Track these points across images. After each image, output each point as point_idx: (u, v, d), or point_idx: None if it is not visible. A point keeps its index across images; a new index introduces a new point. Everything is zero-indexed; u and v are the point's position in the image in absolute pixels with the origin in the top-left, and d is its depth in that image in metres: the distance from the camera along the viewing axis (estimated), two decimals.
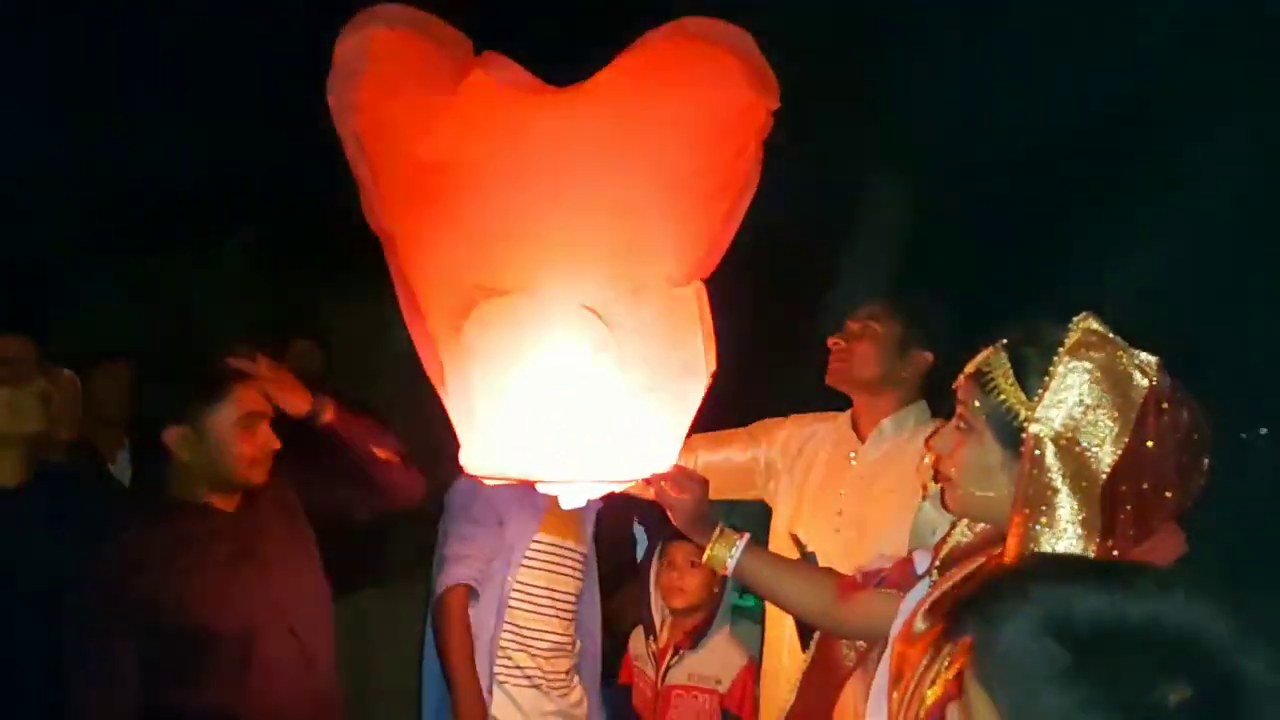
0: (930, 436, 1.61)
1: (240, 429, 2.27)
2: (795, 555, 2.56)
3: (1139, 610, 0.84)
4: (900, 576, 1.75)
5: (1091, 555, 1.33)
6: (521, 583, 2.92)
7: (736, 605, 3.19)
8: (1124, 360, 1.37)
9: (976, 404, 1.47)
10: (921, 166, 4.59)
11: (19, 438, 2.29)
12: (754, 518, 2.72)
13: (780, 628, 2.62)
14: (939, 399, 2.60)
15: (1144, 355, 1.39)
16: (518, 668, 2.92)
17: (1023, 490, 1.36)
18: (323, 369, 3.87)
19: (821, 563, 2.51)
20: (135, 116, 4.23)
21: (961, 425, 1.50)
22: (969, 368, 1.52)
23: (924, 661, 1.36)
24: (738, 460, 2.72)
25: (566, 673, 3.02)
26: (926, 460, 1.63)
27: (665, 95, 1.79)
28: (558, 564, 2.99)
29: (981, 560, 1.50)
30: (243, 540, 2.29)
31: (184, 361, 2.56)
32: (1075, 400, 1.35)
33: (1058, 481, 1.34)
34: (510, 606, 2.91)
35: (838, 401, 2.72)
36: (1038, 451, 1.35)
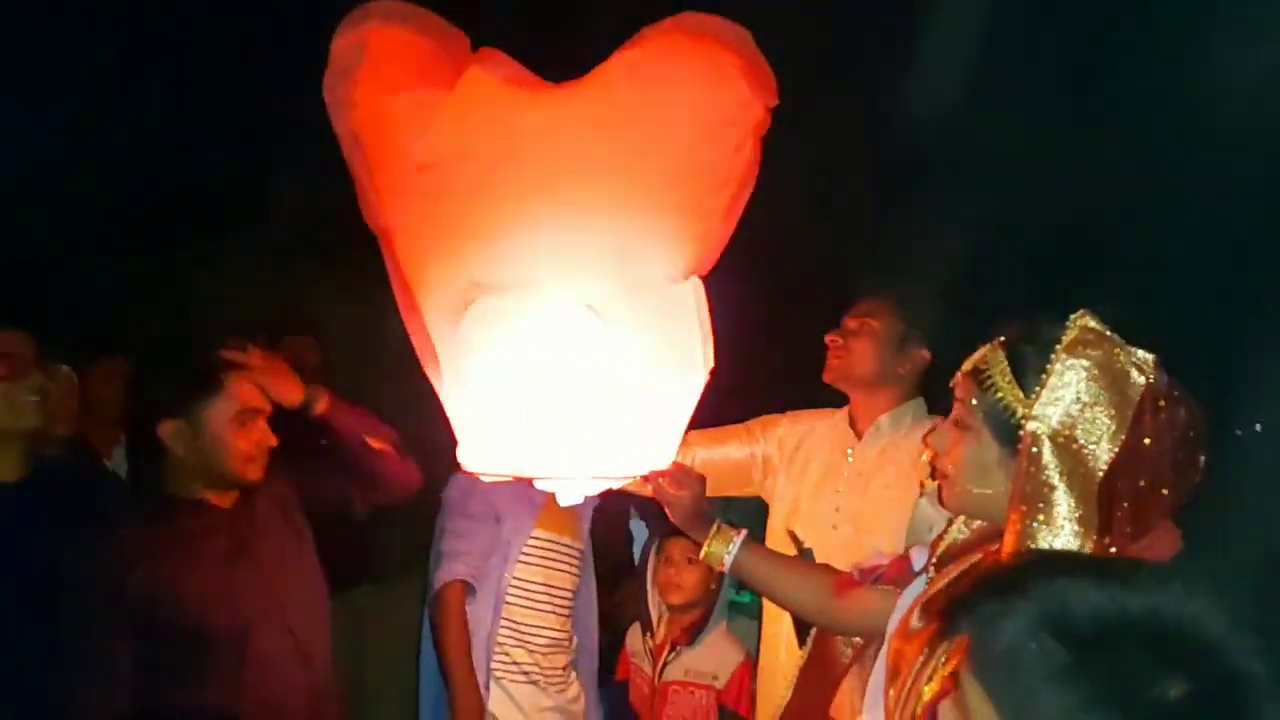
0: (928, 434, 1.61)
1: (235, 424, 2.27)
2: (792, 552, 2.56)
3: (1138, 605, 0.84)
4: (897, 573, 1.75)
5: (1088, 552, 1.33)
6: (518, 579, 2.92)
7: (733, 601, 3.20)
8: (1121, 358, 1.37)
9: (974, 401, 1.47)
10: (920, 163, 4.59)
11: (16, 434, 2.29)
12: (751, 514, 2.72)
13: (777, 624, 2.62)
14: (936, 396, 2.60)
15: (1141, 353, 1.39)
16: (515, 664, 2.92)
17: (1020, 487, 1.36)
18: (319, 365, 3.87)
19: (819, 559, 2.51)
20: (132, 113, 4.22)
21: (959, 423, 1.50)
22: (966, 365, 1.52)
23: (921, 658, 1.36)
24: (735, 457, 2.72)
25: (564, 668, 3.02)
26: (924, 458, 1.63)
27: (663, 91, 1.79)
28: (554, 560, 2.99)
29: (978, 557, 1.50)
30: (239, 537, 2.29)
31: (179, 356, 2.54)
32: (1072, 398, 1.36)
33: (1055, 479, 1.34)
34: (507, 602, 2.91)
35: (835, 398, 2.72)
36: (1035, 449, 1.36)
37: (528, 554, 2.93)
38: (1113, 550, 1.35)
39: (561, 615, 3.01)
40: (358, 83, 1.67)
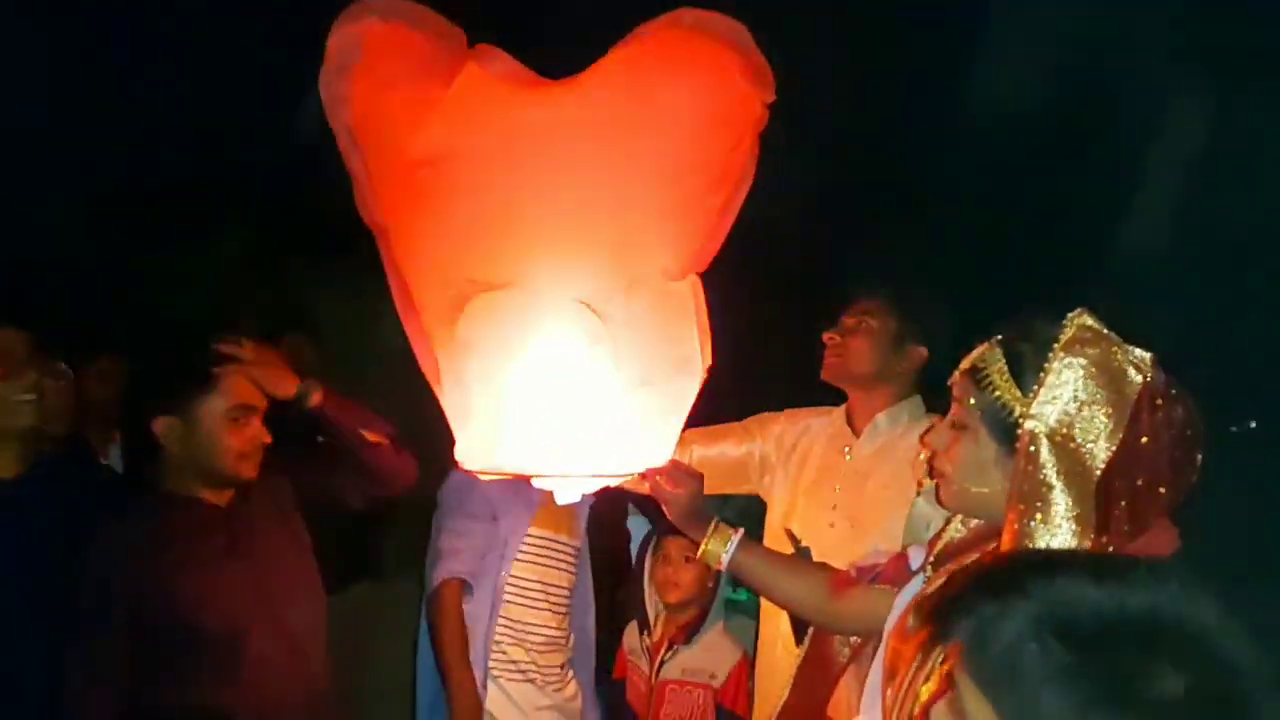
0: (925, 433, 1.61)
1: (229, 420, 2.25)
2: (790, 550, 2.56)
3: (1137, 603, 0.83)
4: (895, 572, 1.74)
5: (1089, 551, 1.32)
6: (515, 577, 2.92)
7: (730, 600, 3.20)
8: (1118, 356, 1.37)
9: (971, 400, 1.47)
10: (918, 161, 4.59)
11: (11, 433, 2.28)
12: (748, 513, 2.72)
13: (774, 623, 2.62)
14: (933, 394, 2.60)
15: (1138, 351, 1.38)
16: (512, 662, 2.91)
17: (1017, 486, 1.36)
18: (315, 362, 3.86)
19: (816, 558, 2.51)
20: (129, 110, 4.21)
21: (956, 422, 1.50)
22: (964, 364, 1.52)
23: (918, 658, 1.36)
24: (732, 455, 2.72)
25: (561, 667, 3.02)
26: (921, 456, 1.63)
27: (660, 88, 1.78)
28: (551, 558, 2.98)
29: (975, 556, 1.50)
30: (234, 535, 2.28)
31: (174, 352, 2.53)
32: (1070, 396, 1.35)
33: (1052, 478, 1.34)
34: (504, 601, 2.90)
35: (833, 396, 2.72)
36: (1033, 448, 1.35)
37: (524, 552, 2.93)
38: (1110, 549, 1.34)
39: (558, 614, 3.00)
40: (354, 79, 1.66)
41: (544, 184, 1.76)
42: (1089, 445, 1.34)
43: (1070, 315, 1.41)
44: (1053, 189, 4.69)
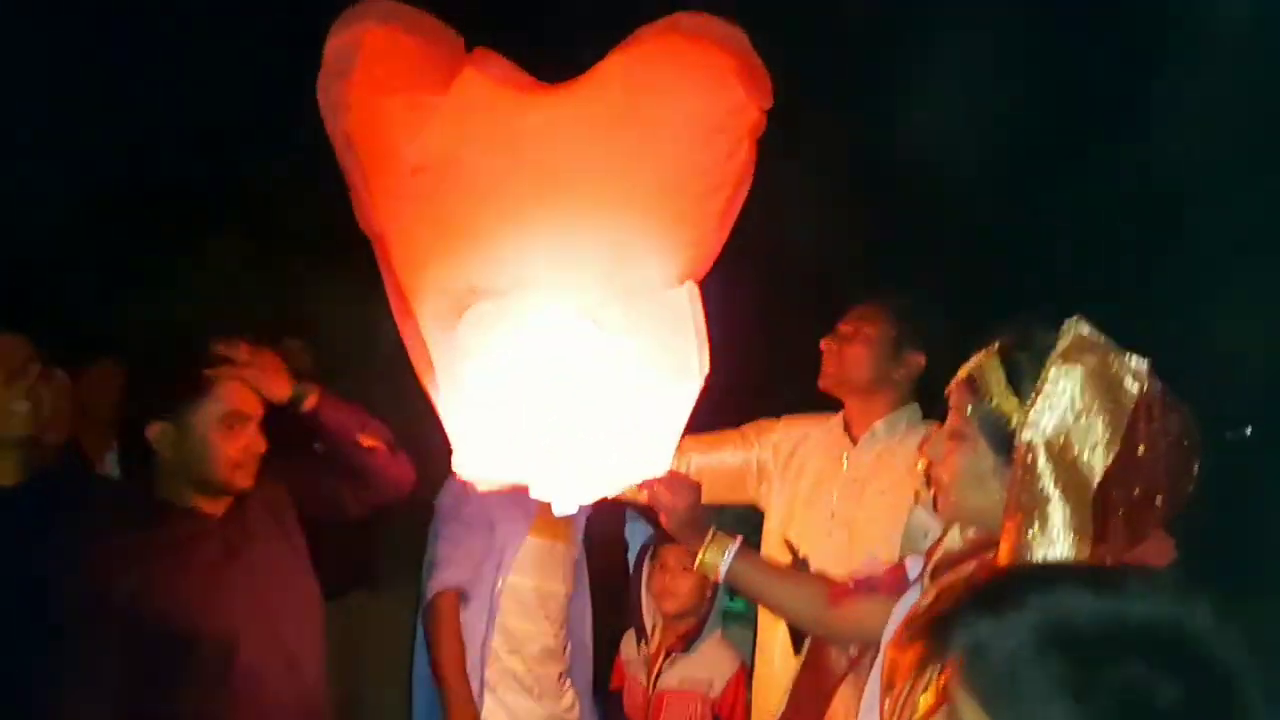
0: (923, 442, 1.60)
1: (222, 427, 2.23)
2: (788, 559, 2.55)
3: (1135, 612, 0.83)
4: (892, 582, 1.74)
5: (1083, 561, 1.32)
6: (512, 586, 2.90)
7: (728, 609, 3.18)
8: (1115, 365, 1.36)
9: (969, 410, 1.46)
10: (917, 167, 4.59)
11: (8, 441, 2.26)
12: (745, 520, 2.71)
13: (772, 632, 2.61)
14: (931, 400, 2.60)
15: (1135, 359, 1.38)
16: (509, 672, 2.90)
17: (1015, 496, 1.35)
18: (313, 368, 3.85)
19: (814, 566, 2.50)
20: (126, 115, 4.21)
21: (954, 431, 1.49)
22: (961, 373, 1.51)
23: (916, 669, 1.35)
24: (730, 463, 2.71)
25: (558, 677, 3.00)
26: (919, 466, 1.62)
27: (658, 93, 1.78)
28: (548, 566, 2.97)
29: (972, 566, 1.49)
30: (229, 545, 2.26)
31: (169, 357, 2.52)
32: (1067, 405, 1.34)
33: (1050, 488, 1.33)
34: (501, 610, 2.89)
35: (830, 403, 2.71)
36: (1030, 457, 1.34)
37: (521, 561, 2.91)
38: (1108, 559, 1.33)
39: (555, 623, 2.99)
40: (352, 84, 1.65)
41: (541, 189, 1.76)
42: (1086, 455, 1.33)
43: (1067, 323, 1.40)
44: (1051, 195, 4.69)
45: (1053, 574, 1.00)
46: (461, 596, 2.86)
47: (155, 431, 2.24)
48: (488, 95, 1.72)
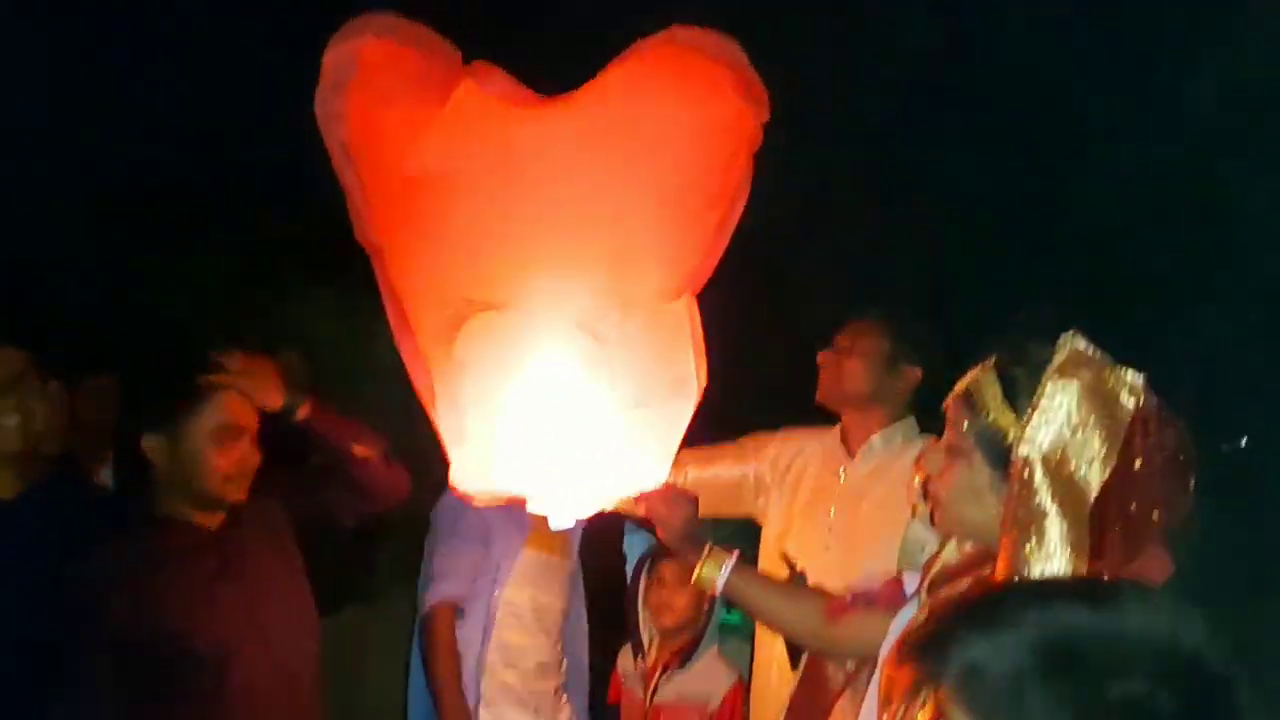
0: (920, 457, 1.60)
1: (215, 440, 2.22)
2: (785, 572, 2.54)
3: (1132, 627, 0.83)
4: (889, 597, 1.73)
5: (1084, 577, 1.31)
6: (509, 600, 2.89)
7: (724, 622, 3.17)
8: (1111, 379, 1.36)
9: (966, 425, 1.46)
10: (915, 179, 4.60)
11: (1, 456, 2.26)
12: (743, 534, 2.70)
13: (770, 647, 2.60)
14: (927, 414, 2.60)
15: (1130, 374, 1.38)
16: (505, 687, 2.88)
17: (1012, 511, 1.35)
18: (310, 380, 3.84)
19: (811, 580, 2.50)
20: (123, 126, 4.21)
21: (951, 446, 1.49)
22: (958, 388, 1.51)
23: (912, 686, 1.34)
24: (727, 477, 2.71)
25: (555, 691, 2.99)
26: (916, 481, 1.62)
27: (655, 106, 1.79)
28: (544, 580, 2.96)
29: (969, 581, 1.48)
30: (223, 559, 2.25)
31: (163, 369, 2.51)
32: (1063, 420, 1.34)
33: (1047, 503, 1.33)
34: (497, 624, 2.88)
35: (827, 416, 2.71)
36: (1027, 472, 1.34)
37: (517, 574, 2.90)
38: (1105, 575, 1.33)
39: (551, 637, 2.98)
40: (350, 97, 1.66)
41: (539, 202, 1.76)
42: (1083, 470, 1.33)
43: (1063, 337, 1.40)
44: (1049, 208, 4.70)
45: (1048, 590, 1.00)
46: (457, 610, 2.85)
47: (150, 444, 2.23)
48: (485, 108, 1.72)
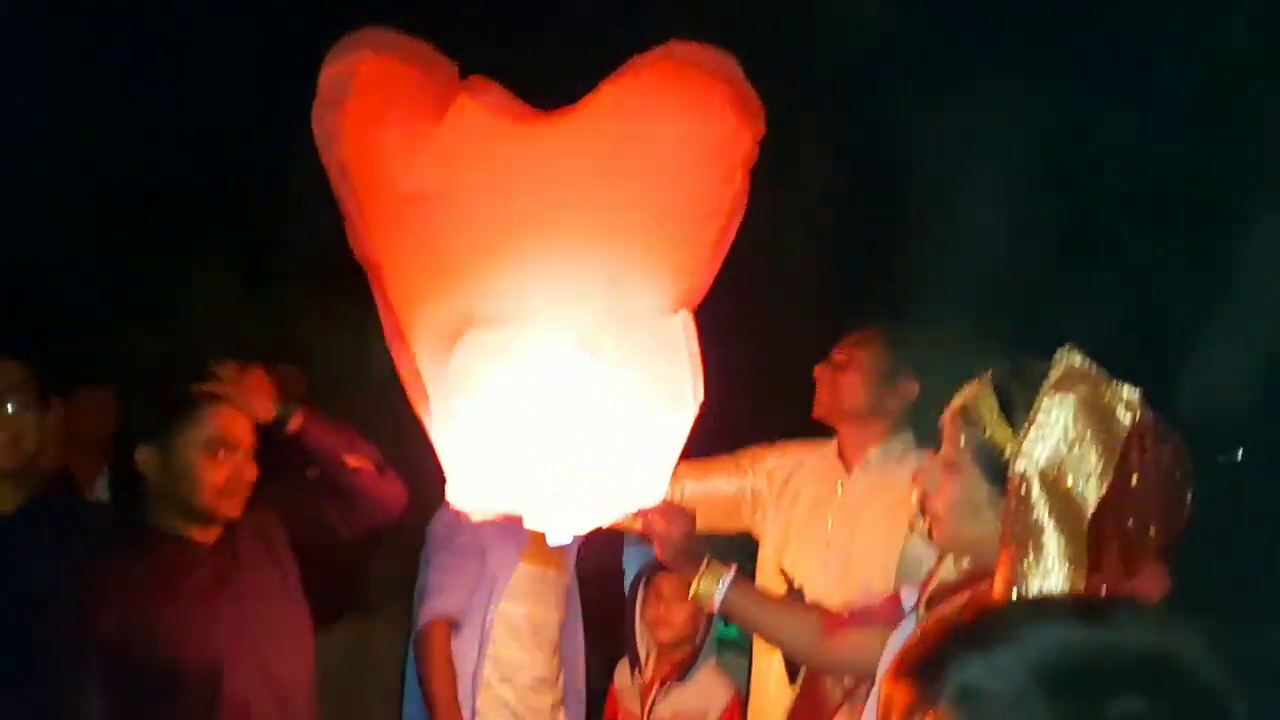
0: (917, 472, 1.59)
1: (207, 453, 2.21)
2: (783, 587, 2.54)
3: (1132, 645, 0.82)
4: (888, 613, 1.73)
5: (1079, 592, 1.31)
6: (504, 614, 2.88)
7: (722, 637, 3.16)
8: (1107, 395, 1.36)
9: (963, 440, 1.46)
10: (912, 193, 4.61)
11: None
12: (740, 549, 2.70)
13: (767, 661, 2.59)
14: (922, 427, 2.60)
15: (1126, 389, 1.38)
16: (501, 702, 2.87)
17: (1009, 527, 1.35)
18: (305, 395, 3.84)
19: (809, 594, 2.49)
20: (123, 126, 4.20)
21: (948, 462, 1.49)
22: (954, 403, 1.51)
23: (906, 713, 1.34)
24: (725, 491, 2.70)
25: (550, 707, 2.97)
26: (914, 497, 1.62)
27: (652, 121, 1.79)
28: (540, 594, 2.95)
29: (966, 598, 1.48)
30: (219, 573, 2.24)
31: (157, 382, 2.50)
32: (1060, 436, 1.34)
33: (1044, 518, 1.33)
34: (493, 638, 2.87)
35: (824, 430, 2.70)
36: (1024, 488, 1.34)
37: (513, 588, 2.90)
38: (1104, 590, 1.33)
39: (547, 651, 2.97)
40: (347, 113, 1.66)
41: (536, 218, 1.76)
42: (1080, 485, 1.33)
43: (1059, 352, 1.40)
44: (1046, 223, 4.71)
45: (1044, 609, 0.99)
46: (453, 625, 2.84)
47: (142, 456, 2.23)
48: (483, 123, 1.73)
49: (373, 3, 1.85)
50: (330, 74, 1.66)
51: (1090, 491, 1.33)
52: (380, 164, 1.70)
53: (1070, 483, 1.33)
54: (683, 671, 3.05)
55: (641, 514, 1.88)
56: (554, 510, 1.80)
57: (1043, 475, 1.33)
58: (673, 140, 1.81)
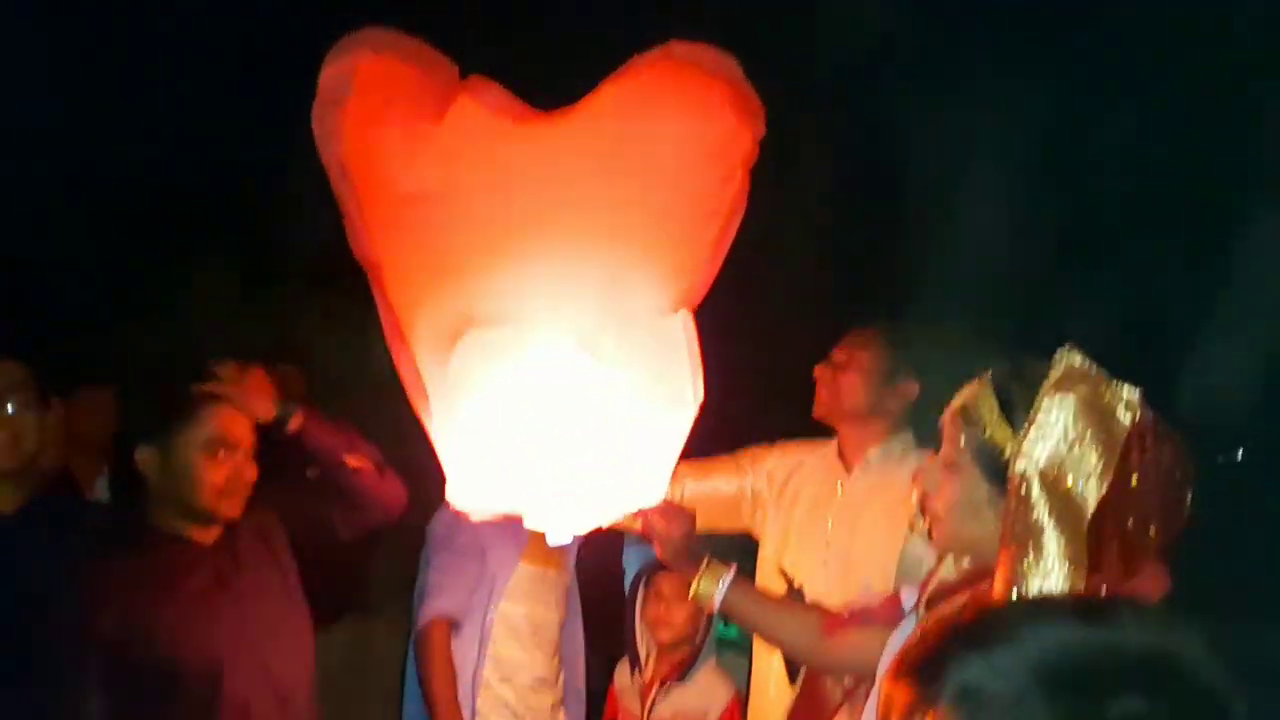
0: (917, 473, 1.59)
1: (207, 453, 2.21)
2: (783, 587, 2.54)
3: (1132, 645, 0.82)
4: (888, 613, 1.73)
5: (1079, 592, 1.31)
6: (504, 614, 2.88)
7: (722, 636, 3.16)
8: (1107, 395, 1.36)
9: (963, 440, 1.46)
10: (912, 192, 4.61)
11: None
12: (740, 549, 2.69)
13: (767, 661, 2.59)
14: (921, 427, 2.60)
15: (1126, 389, 1.38)
16: (501, 702, 2.87)
17: (1009, 527, 1.35)
18: (306, 395, 3.84)
19: (809, 594, 2.49)
20: (123, 126, 4.20)
21: (948, 462, 1.49)
22: (955, 403, 1.51)
23: (906, 714, 1.34)
24: (725, 491, 2.70)
25: (550, 707, 2.97)
26: (914, 497, 1.62)
27: (652, 121, 1.79)
28: (540, 594, 2.95)
29: (966, 597, 1.48)
30: (219, 573, 2.24)
31: (157, 382, 2.50)
32: (1060, 436, 1.34)
33: (1044, 518, 1.33)
34: (493, 638, 2.87)
35: (824, 429, 2.70)
36: (1024, 488, 1.34)
37: (513, 588, 2.89)
38: (1104, 589, 1.33)
39: (547, 651, 2.96)
40: (346, 113, 1.66)
41: (535, 218, 1.76)
42: (1080, 485, 1.33)
43: (1059, 352, 1.40)
44: (1044, 223, 4.71)
45: (1043, 609, 0.99)
46: (453, 625, 2.84)
47: (141, 456, 2.23)
48: (482, 123, 1.73)
49: (373, 2, 1.85)
50: (330, 74, 1.66)
51: (1090, 491, 1.33)
52: (380, 164, 1.70)
53: (1070, 483, 1.33)
54: (683, 672, 3.05)
55: (641, 513, 1.88)
56: (554, 510, 1.80)
57: (1043, 475, 1.33)
58: (673, 140, 1.81)
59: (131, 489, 2.30)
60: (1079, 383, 1.36)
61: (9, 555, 2.20)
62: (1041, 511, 1.33)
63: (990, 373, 1.47)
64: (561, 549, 2.98)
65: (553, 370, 1.74)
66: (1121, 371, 1.41)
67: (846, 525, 2.54)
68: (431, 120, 1.71)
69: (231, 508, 2.25)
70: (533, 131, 1.76)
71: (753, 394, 3.80)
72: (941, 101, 4.18)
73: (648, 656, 3.13)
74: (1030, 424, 1.36)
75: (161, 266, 4.59)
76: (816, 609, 1.98)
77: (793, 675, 2.31)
